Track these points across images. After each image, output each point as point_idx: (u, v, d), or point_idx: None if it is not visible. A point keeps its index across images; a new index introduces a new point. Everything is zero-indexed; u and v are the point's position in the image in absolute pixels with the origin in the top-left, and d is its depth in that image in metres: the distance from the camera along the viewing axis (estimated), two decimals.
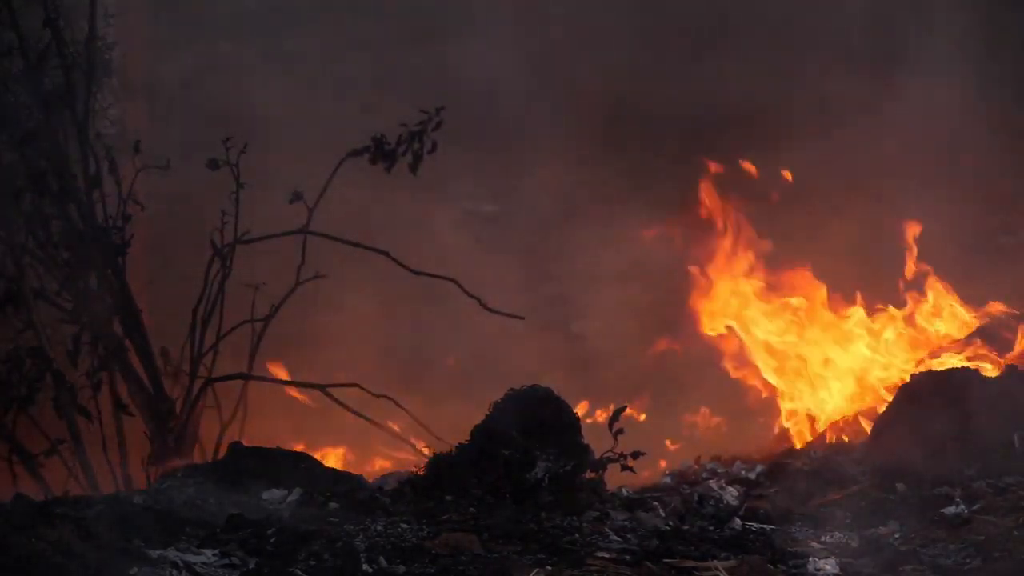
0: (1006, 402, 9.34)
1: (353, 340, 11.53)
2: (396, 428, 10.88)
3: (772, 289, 10.90)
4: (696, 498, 8.89)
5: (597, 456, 8.76)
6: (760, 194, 11.39)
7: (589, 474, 8.72)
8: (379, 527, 8.00)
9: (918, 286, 10.80)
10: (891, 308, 10.75)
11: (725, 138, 11.66)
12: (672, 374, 11.28)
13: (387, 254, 10.78)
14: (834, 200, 11.59)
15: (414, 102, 10.74)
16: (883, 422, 9.65)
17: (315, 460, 9.15)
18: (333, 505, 8.47)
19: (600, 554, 7.85)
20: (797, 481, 9.17)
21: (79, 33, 10.44)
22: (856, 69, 11.86)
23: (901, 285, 10.84)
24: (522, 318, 11.02)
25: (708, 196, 11.14)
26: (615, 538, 8.17)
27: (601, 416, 8.96)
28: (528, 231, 11.94)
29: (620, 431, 8.74)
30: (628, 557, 7.82)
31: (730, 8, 11.79)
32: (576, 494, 8.56)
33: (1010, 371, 9.85)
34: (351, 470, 9.92)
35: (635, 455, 8.73)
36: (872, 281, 10.95)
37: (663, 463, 9.80)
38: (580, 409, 9.33)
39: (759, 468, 9.52)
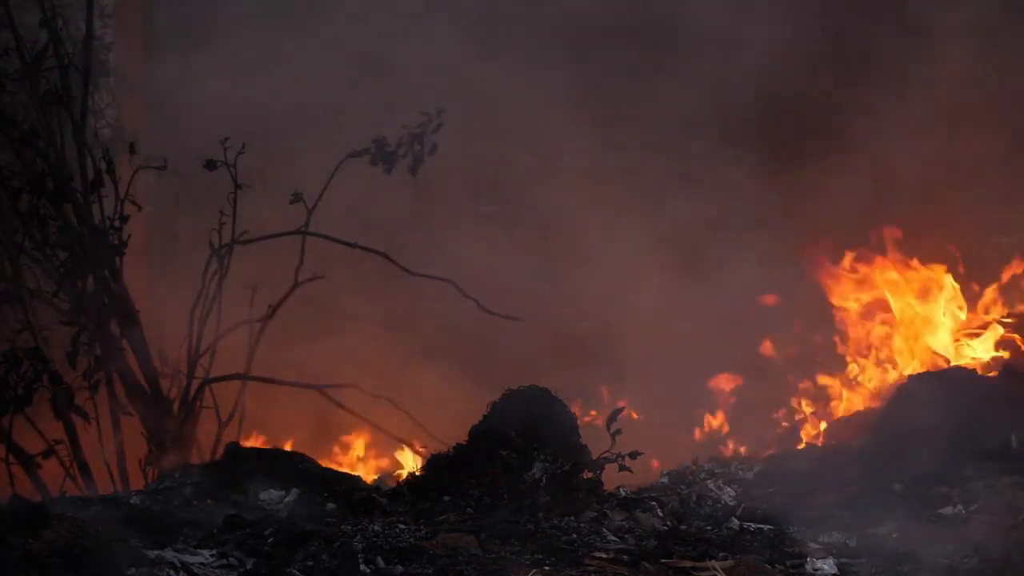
0: (1003, 401, 9.34)
1: (351, 340, 11.54)
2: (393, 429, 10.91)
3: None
4: (694, 498, 8.89)
5: (594, 456, 8.77)
6: None
7: (587, 474, 8.72)
8: (377, 527, 7.99)
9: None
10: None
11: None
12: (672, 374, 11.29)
13: (384, 255, 10.79)
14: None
15: (414, 102, 10.75)
16: (880, 422, 9.65)
17: (312, 460, 9.15)
18: (330, 505, 8.47)
19: (598, 554, 7.85)
20: (795, 481, 9.16)
21: (76, 33, 10.44)
22: None
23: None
24: (520, 319, 11.01)
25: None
26: (613, 538, 8.17)
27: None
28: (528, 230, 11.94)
29: (618, 431, 8.74)
30: (626, 557, 7.83)
31: None
32: (574, 494, 8.56)
33: (1007, 371, 9.85)
34: (348, 470, 9.95)
35: (633, 455, 8.72)
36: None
37: (655, 464, 9.79)
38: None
39: (757, 468, 9.51)
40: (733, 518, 8.51)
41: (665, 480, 9.44)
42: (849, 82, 11.73)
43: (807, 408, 10.61)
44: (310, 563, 7.48)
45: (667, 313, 11.40)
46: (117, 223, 10.29)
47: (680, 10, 11.47)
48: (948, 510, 8.55)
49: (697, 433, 11.12)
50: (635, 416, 10.50)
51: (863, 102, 11.68)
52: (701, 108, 11.56)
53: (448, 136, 10.61)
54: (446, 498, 8.49)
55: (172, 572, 7.33)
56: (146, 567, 7.29)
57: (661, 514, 8.55)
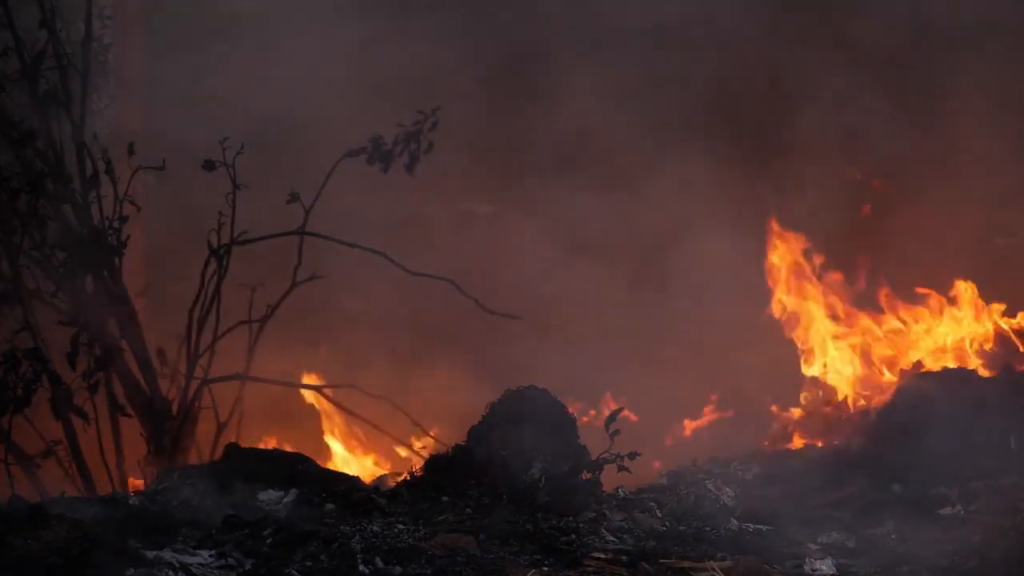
0: (1002, 402, 9.34)
1: (351, 340, 11.53)
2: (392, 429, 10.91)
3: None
4: (692, 499, 8.88)
5: (593, 457, 8.76)
6: None
7: (586, 475, 8.72)
8: (375, 528, 7.99)
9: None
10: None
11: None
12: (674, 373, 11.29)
13: (384, 254, 10.78)
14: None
15: (411, 102, 10.74)
16: (880, 421, 9.65)
17: (311, 461, 9.15)
18: (329, 506, 8.47)
19: (596, 555, 7.85)
20: (794, 481, 9.16)
21: (75, 34, 10.44)
22: None
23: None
24: (520, 318, 11.01)
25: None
26: (611, 539, 8.17)
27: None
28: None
29: (617, 432, 8.74)
30: (624, 558, 7.82)
31: None
32: (572, 495, 8.56)
33: (1006, 371, 9.85)
34: (347, 471, 9.94)
35: (631, 456, 8.72)
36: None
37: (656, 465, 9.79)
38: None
39: (755, 468, 9.51)
40: (732, 518, 8.51)
41: (664, 480, 9.45)
42: (848, 82, 11.73)
43: (800, 409, 10.62)
44: (309, 564, 7.48)
45: (667, 313, 11.40)
46: (116, 223, 10.29)
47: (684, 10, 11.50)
48: (948, 510, 8.55)
49: (694, 434, 11.12)
50: (629, 416, 10.51)
51: (863, 101, 11.69)
52: (700, 108, 11.57)
53: (447, 135, 10.63)
54: (445, 498, 8.49)
55: (171, 572, 7.33)
56: (145, 567, 7.29)
57: (660, 514, 8.55)
